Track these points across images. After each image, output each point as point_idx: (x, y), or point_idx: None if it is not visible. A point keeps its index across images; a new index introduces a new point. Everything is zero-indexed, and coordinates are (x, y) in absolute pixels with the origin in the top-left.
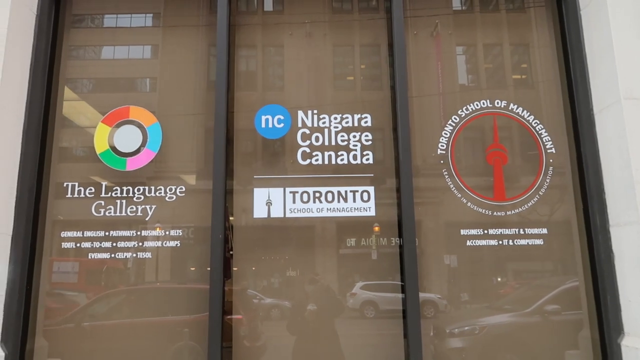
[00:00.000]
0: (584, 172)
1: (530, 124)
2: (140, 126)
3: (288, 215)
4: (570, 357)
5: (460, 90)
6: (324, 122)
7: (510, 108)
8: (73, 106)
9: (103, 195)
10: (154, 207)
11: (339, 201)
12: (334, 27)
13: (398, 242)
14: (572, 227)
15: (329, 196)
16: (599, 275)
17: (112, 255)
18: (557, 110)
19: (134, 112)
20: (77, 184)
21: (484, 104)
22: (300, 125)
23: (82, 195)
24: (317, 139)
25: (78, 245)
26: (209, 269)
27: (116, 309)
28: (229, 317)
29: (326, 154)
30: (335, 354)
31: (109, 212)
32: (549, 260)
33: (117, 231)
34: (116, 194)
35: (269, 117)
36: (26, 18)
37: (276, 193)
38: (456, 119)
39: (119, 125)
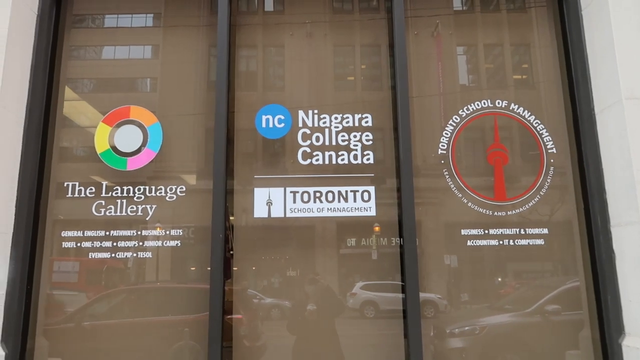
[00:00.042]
0: (585, 172)
1: (531, 124)
2: (140, 126)
3: (288, 215)
4: (570, 357)
5: (461, 90)
6: (324, 122)
7: (511, 108)
8: (74, 106)
9: (103, 194)
10: (154, 206)
11: (339, 201)
12: (334, 27)
13: (398, 242)
14: (573, 227)
15: (330, 196)
16: (599, 275)
17: (113, 255)
18: (558, 110)
19: (134, 112)
20: (77, 183)
21: (484, 104)
22: (300, 125)
23: (82, 195)
24: (317, 138)
25: (78, 244)
26: (209, 268)
27: (116, 308)
28: (229, 316)
29: (327, 153)
30: (335, 354)
31: (110, 212)
32: (550, 260)
33: (117, 231)
34: (117, 193)
35: (270, 117)
36: (27, 18)
37: (276, 193)
38: (457, 119)
39: (119, 125)
